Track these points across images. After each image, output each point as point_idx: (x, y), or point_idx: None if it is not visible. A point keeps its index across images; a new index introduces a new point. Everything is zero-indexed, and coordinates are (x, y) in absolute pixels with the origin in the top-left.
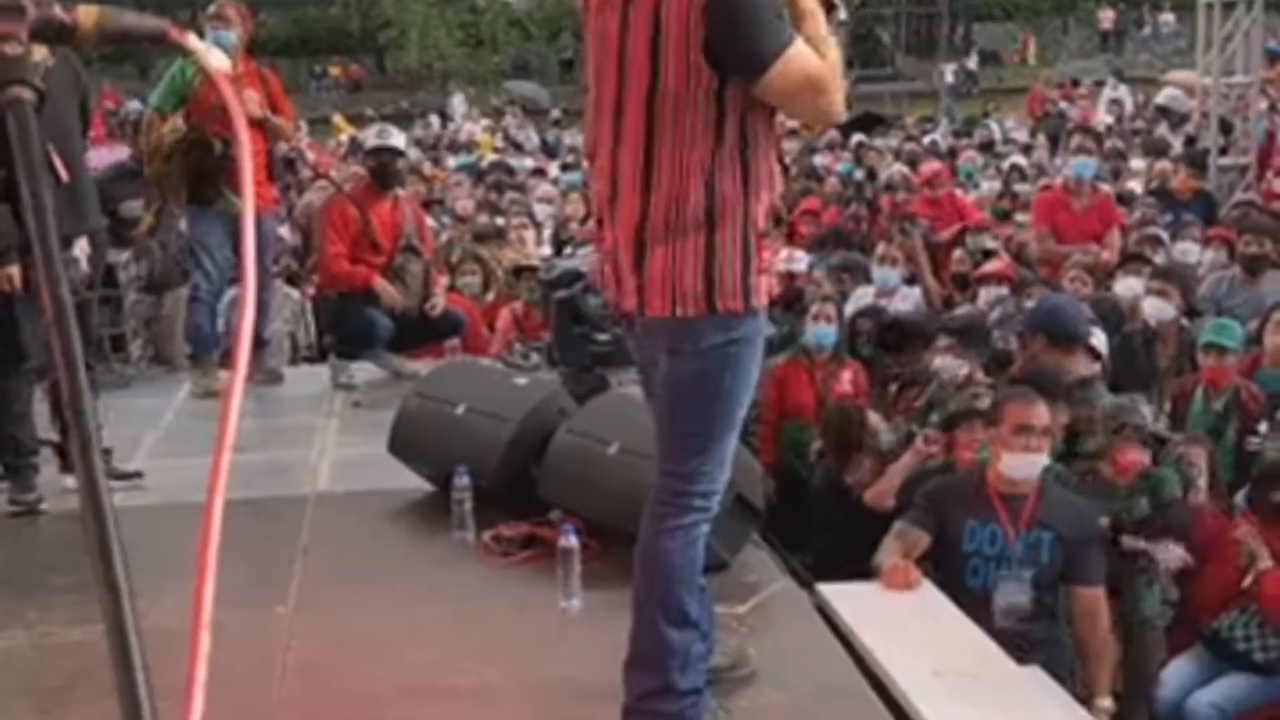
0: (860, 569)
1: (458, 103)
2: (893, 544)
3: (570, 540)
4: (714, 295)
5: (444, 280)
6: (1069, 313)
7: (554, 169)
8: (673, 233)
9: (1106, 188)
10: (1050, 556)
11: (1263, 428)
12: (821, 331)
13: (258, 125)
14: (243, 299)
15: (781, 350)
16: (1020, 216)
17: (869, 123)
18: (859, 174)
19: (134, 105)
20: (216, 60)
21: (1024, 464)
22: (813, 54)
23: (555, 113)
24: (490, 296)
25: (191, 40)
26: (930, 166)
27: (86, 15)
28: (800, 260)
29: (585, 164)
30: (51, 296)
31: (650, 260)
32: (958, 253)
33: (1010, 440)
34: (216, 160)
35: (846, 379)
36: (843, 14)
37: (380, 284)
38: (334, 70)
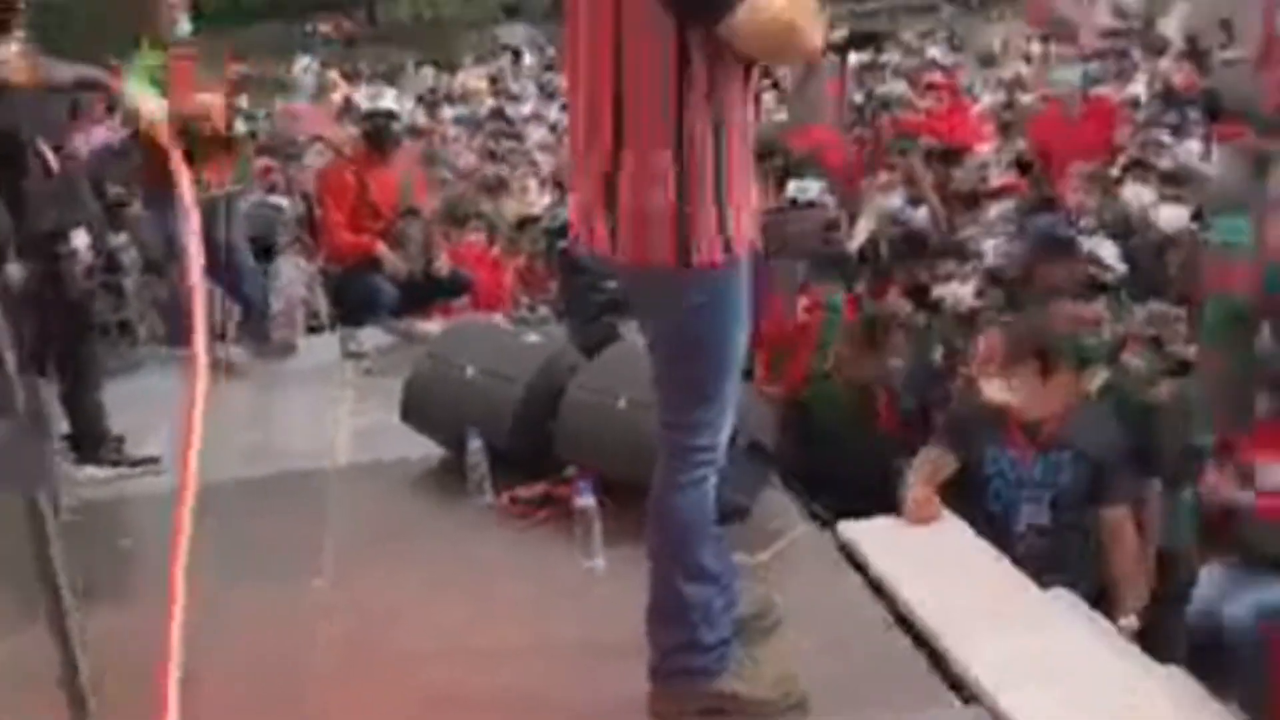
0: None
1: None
2: (922, 468)
3: (587, 499)
4: (690, 247)
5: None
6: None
7: (553, 111)
8: (645, 177)
9: (1107, 89)
10: (1071, 477)
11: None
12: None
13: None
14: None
15: None
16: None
17: (861, 41)
18: (858, 96)
19: None
20: (153, 109)
21: (992, 389)
22: None
23: (550, 52)
24: (495, 251)
25: (127, 88)
26: (930, 76)
27: (17, 75)
28: (811, 189)
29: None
30: None
31: (621, 204)
32: (959, 172)
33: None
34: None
35: (803, 303)
36: None
37: (383, 252)
38: (324, 28)
